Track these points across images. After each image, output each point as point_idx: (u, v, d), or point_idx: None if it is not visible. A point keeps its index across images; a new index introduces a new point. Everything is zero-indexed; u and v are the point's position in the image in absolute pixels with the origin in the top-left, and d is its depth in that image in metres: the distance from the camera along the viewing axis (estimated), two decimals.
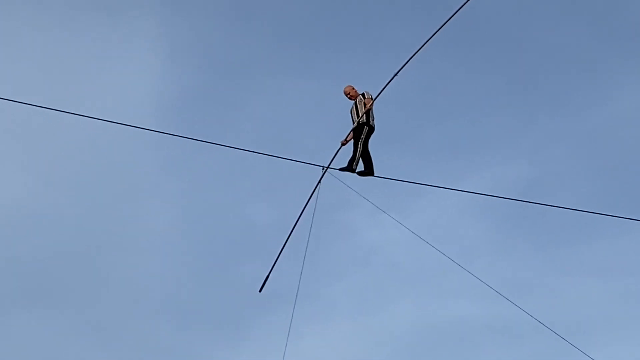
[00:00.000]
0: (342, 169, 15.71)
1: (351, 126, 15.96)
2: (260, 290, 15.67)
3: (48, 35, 29.52)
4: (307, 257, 15.17)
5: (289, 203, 26.31)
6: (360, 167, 15.90)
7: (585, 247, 27.65)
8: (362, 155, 15.88)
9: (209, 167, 27.71)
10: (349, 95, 16.20)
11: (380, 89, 15.09)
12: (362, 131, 15.84)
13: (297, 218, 15.42)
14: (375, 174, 15.87)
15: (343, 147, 15.85)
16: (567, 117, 31.25)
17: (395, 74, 14.54)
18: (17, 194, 27.52)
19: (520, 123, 31.49)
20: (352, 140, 15.95)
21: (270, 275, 15.66)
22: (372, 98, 15.76)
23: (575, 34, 31.98)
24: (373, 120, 16.00)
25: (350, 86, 16.23)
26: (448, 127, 31.45)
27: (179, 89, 30.79)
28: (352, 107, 16.15)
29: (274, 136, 28.66)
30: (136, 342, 26.05)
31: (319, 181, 15.41)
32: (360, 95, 16.04)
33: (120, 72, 30.11)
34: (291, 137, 28.78)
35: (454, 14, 13.74)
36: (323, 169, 15.49)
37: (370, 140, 15.99)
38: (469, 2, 13.32)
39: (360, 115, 15.84)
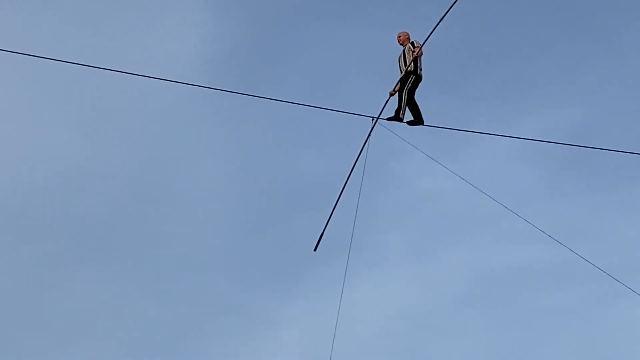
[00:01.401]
0: (389, 119, 15.59)
1: (399, 75, 15.78)
2: (315, 250, 15.62)
3: None
4: (360, 207, 15.20)
5: (340, 154, 26.55)
6: (410, 116, 15.73)
7: None
8: (409, 105, 15.70)
9: (260, 120, 27.90)
10: (399, 40, 16.00)
11: (427, 36, 14.85)
12: (408, 79, 15.65)
13: (349, 171, 15.30)
14: (425, 123, 15.70)
15: (392, 97, 15.66)
16: (620, 57, 30.75)
17: (440, 20, 14.23)
18: (73, 154, 28.04)
19: (572, 65, 31.06)
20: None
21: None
22: (420, 46, 15.52)
23: None
24: (421, 70, 15.77)
25: (405, 32, 15.99)
26: (498, 72, 31.17)
27: (228, 41, 30.78)
28: (400, 56, 15.94)
29: (324, 87, 28.67)
30: (193, 296, 26.48)
31: (370, 133, 15.28)
32: (410, 44, 15.80)
33: (168, 28, 30.28)
34: (341, 87, 28.81)
35: None
36: (373, 120, 15.34)
37: (419, 88, 15.78)
38: None
39: (407, 64, 15.64)
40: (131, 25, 29.66)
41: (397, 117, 15.64)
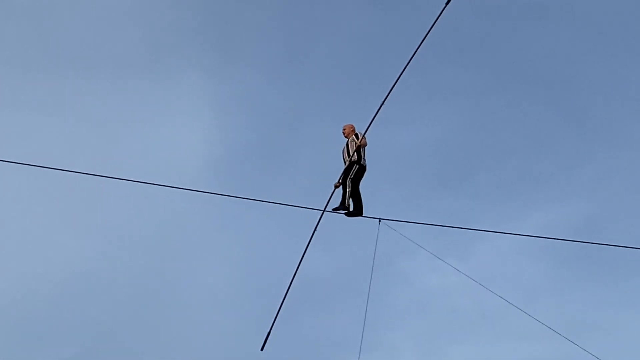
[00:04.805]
0: (334, 209, 15.62)
1: (343, 167, 15.85)
2: (261, 349, 15.71)
3: (96, 100, 30.61)
4: (369, 306, 15.53)
5: (346, 254, 27.08)
6: (350, 207, 15.78)
7: None
8: (352, 195, 15.74)
9: (265, 221, 28.38)
10: (344, 133, 16.13)
11: (367, 125, 15.19)
12: (352, 169, 15.70)
13: (301, 259, 15.69)
14: (363, 214, 15.75)
15: (337, 189, 15.72)
16: (623, 151, 30.93)
17: (382, 104, 14.58)
18: (80, 260, 28.32)
19: (575, 160, 31.45)
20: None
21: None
22: (363, 136, 15.60)
23: (629, 67, 32.00)
24: (364, 160, 15.82)
25: (350, 124, 16.14)
26: (501, 168, 31.49)
27: (229, 144, 31.08)
28: (344, 148, 16.02)
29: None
30: None
31: (317, 223, 15.40)
32: (354, 135, 15.87)
33: (170, 132, 30.84)
34: None
35: (429, 31, 13.78)
36: (323, 213, 15.49)
37: (363, 180, 15.99)
38: (441, 16, 13.73)
39: (350, 154, 15.72)
40: (136, 130, 30.37)
41: (342, 206, 15.67)
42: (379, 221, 15.69)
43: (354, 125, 16.15)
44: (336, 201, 15.78)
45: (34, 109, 29.02)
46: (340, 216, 15.77)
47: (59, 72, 30.57)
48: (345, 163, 15.89)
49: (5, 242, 27.35)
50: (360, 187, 15.97)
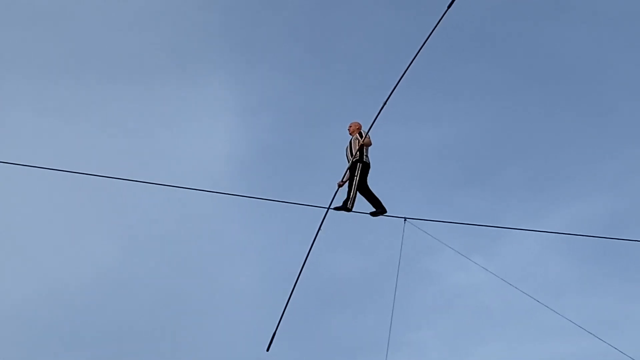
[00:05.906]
0: (336, 208, 15.47)
1: (346, 165, 15.78)
2: (267, 350, 15.58)
3: (121, 104, 30.79)
4: (396, 305, 15.52)
5: (373, 254, 27.10)
6: (371, 208, 15.72)
7: None
8: (366, 195, 15.59)
9: (288, 222, 28.45)
10: (349, 130, 15.97)
11: (371, 123, 15.01)
12: (356, 169, 15.56)
13: (306, 256, 15.64)
14: (387, 213, 15.64)
15: (341, 188, 15.61)
16: None
17: (384, 103, 14.40)
18: (104, 263, 28.49)
19: (599, 156, 31.11)
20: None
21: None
22: (366, 135, 15.43)
23: None
24: (367, 157, 15.66)
25: (357, 122, 15.96)
26: (526, 165, 31.34)
27: (253, 146, 31.29)
28: (347, 146, 15.88)
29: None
30: None
31: (321, 222, 15.42)
32: (358, 134, 15.71)
33: (193, 135, 31.12)
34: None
35: (434, 28, 13.57)
36: (327, 210, 15.50)
37: (370, 176, 15.84)
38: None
39: (354, 153, 15.58)
40: (160, 133, 30.43)
41: (344, 207, 15.51)
42: (404, 220, 15.67)
43: (360, 124, 16.00)
44: (340, 199, 15.74)
45: (59, 113, 29.29)
46: (366, 216, 15.73)
47: (84, 77, 30.77)
48: (348, 161, 15.82)
49: (33, 245, 27.60)
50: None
